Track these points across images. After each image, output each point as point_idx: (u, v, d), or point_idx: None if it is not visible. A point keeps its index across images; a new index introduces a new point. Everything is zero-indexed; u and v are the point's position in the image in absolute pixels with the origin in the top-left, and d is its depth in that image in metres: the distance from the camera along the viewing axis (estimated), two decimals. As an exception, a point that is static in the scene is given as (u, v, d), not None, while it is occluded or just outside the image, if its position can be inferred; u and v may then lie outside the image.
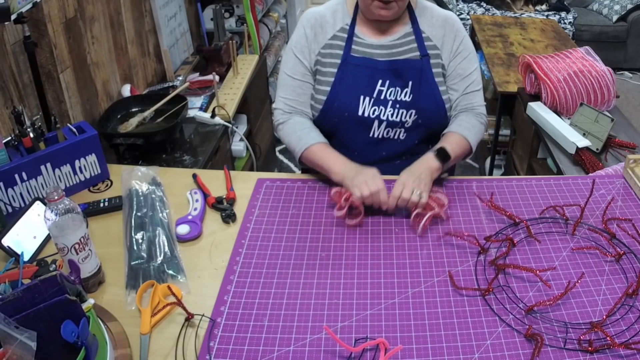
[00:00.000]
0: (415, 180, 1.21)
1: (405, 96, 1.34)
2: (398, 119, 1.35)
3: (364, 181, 1.20)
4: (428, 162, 1.27)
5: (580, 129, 1.94)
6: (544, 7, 4.50)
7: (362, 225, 1.23)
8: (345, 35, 1.37)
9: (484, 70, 3.25)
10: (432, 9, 1.40)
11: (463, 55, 1.38)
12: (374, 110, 1.34)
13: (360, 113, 1.35)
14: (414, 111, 1.35)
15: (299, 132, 1.36)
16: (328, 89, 1.36)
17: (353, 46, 1.36)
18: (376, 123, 1.36)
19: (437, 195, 1.24)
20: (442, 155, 1.28)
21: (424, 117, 1.36)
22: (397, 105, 1.34)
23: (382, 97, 1.34)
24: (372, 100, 1.34)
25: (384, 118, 1.35)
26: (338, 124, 1.38)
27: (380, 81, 1.34)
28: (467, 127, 1.36)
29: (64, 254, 1.02)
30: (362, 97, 1.34)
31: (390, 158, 1.41)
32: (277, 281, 1.09)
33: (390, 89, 1.34)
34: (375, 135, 1.38)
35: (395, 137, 1.39)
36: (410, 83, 1.34)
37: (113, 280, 1.12)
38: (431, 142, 1.40)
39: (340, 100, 1.35)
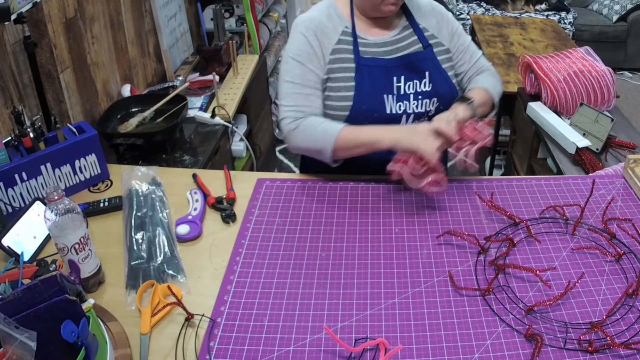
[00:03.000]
0: (450, 116, 1.24)
1: (425, 86, 1.36)
2: (423, 110, 1.36)
3: (424, 138, 1.21)
4: (453, 108, 1.31)
5: (580, 129, 1.94)
6: (543, 6, 4.50)
7: (362, 225, 1.23)
8: (350, 39, 1.36)
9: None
10: (417, 0, 1.44)
11: (457, 32, 1.44)
12: (400, 106, 1.35)
13: (388, 111, 1.35)
14: (435, 99, 1.37)
15: (321, 126, 1.29)
16: (350, 94, 1.33)
17: (360, 48, 1.36)
18: (404, 118, 1.36)
19: (479, 125, 1.27)
20: (461, 98, 1.33)
21: (444, 103, 1.37)
22: (420, 97, 1.36)
23: (402, 92, 1.35)
24: (395, 96, 1.35)
25: (410, 111, 1.36)
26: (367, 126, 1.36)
27: (395, 78, 1.35)
28: (485, 83, 1.42)
29: (64, 254, 1.02)
30: (385, 96, 1.35)
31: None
32: (277, 281, 1.09)
33: (408, 83, 1.35)
34: None
35: None
36: (427, 73, 1.36)
37: (113, 280, 1.12)
38: None
39: (367, 103, 1.33)
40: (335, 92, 1.35)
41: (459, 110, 1.27)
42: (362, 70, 1.34)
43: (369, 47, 1.37)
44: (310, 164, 1.50)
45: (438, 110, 1.37)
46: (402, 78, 1.35)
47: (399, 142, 1.23)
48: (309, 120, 1.31)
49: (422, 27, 1.40)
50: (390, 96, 1.34)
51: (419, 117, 1.37)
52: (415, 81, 1.36)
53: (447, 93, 1.38)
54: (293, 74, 1.33)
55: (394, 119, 1.36)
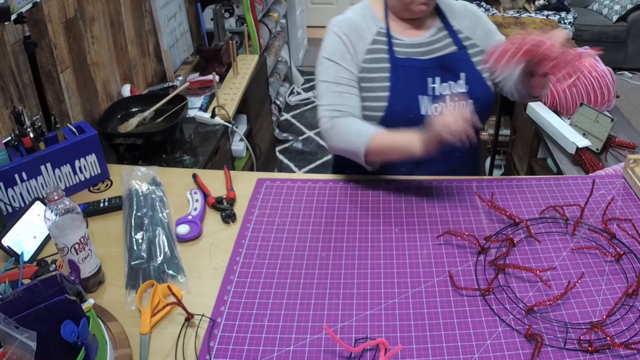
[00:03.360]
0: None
1: (460, 88, 1.35)
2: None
3: (449, 121, 1.13)
4: None
5: (580, 129, 1.95)
6: (542, 1, 4.48)
7: (362, 225, 1.23)
8: (385, 39, 1.36)
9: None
10: (448, 2, 1.43)
11: (492, 31, 1.44)
12: (435, 108, 1.33)
13: (423, 112, 1.32)
14: (471, 101, 1.35)
15: (355, 127, 1.27)
16: (385, 94, 1.33)
17: (395, 48, 1.35)
18: None
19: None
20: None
21: (478, 105, 1.35)
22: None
23: (437, 93, 1.34)
24: (430, 97, 1.33)
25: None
26: (401, 127, 1.32)
27: (430, 79, 1.34)
28: None
29: (64, 254, 1.02)
30: (419, 97, 1.33)
31: (451, 150, 1.38)
32: (277, 281, 1.09)
33: (443, 84, 1.34)
34: None
35: None
36: (462, 74, 1.35)
37: (113, 280, 1.12)
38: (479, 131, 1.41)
39: (402, 103, 1.32)
40: (370, 92, 1.34)
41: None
42: (397, 70, 1.33)
43: (404, 48, 1.36)
44: (342, 165, 1.48)
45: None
46: (438, 79, 1.34)
47: (432, 138, 1.16)
48: (345, 120, 1.29)
49: (456, 29, 1.39)
50: (425, 97, 1.33)
51: None
52: (450, 82, 1.35)
53: (483, 95, 1.37)
54: (327, 73, 1.34)
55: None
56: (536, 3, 4.47)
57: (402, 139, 1.22)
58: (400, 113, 1.32)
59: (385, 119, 1.33)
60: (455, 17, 1.41)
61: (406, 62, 1.34)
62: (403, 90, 1.33)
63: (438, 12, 1.40)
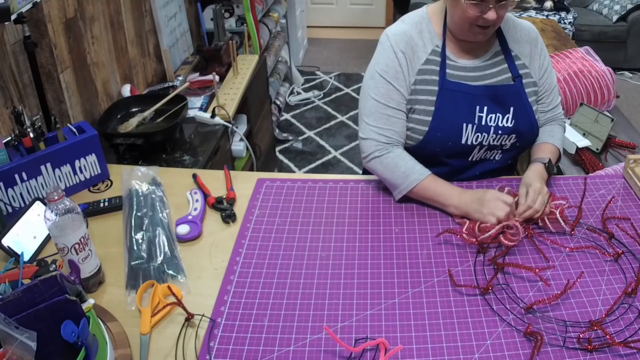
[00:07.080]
0: (545, 193, 1.22)
1: (507, 122, 1.30)
2: (498, 143, 1.33)
3: (494, 207, 1.18)
4: (543, 175, 1.29)
5: (580, 129, 1.94)
6: (549, 3, 4.47)
7: (362, 225, 1.23)
8: (438, 59, 1.29)
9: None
10: (513, 21, 1.37)
11: (548, 70, 1.38)
12: (477, 137, 1.29)
13: (463, 141, 1.29)
14: (514, 135, 1.32)
15: (403, 168, 1.27)
16: (428, 118, 1.29)
17: (447, 70, 1.29)
18: (477, 149, 1.32)
19: (556, 202, 1.25)
20: (550, 168, 1.32)
21: (521, 140, 1.34)
22: (500, 131, 1.30)
23: (484, 122, 1.29)
24: (475, 127, 1.29)
25: (486, 143, 1.31)
26: (439, 152, 1.31)
27: (478, 107, 1.29)
28: (558, 138, 1.39)
29: (64, 254, 1.02)
30: (464, 125, 1.28)
31: (483, 176, 1.39)
32: (277, 281, 1.09)
33: (490, 115, 1.29)
34: (474, 159, 1.35)
35: (491, 158, 1.36)
36: (511, 109, 1.30)
37: (113, 280, 1.12)
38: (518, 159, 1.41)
39: (443, 130, 1.28)
40: (415, 114, 1.31)
41: (545, 179, 1.27)
42: (445, 94, 1.28)
43: (456, 71, 1.30)
44: None
45: (513, 146, 1.35)
46: (485, 109, 1.29)
47: (467, 215, 1.22)
48: (395, 154, 1.29)
49: (514, 54, 1.33)
50: (470, 125, 1.29)
51: (492, 148, 1.34)
52: (498, 114, 1.30)
53: (528, 130, 1.34)
54: (378, 91, 1.30)
55: (468, 149, 1.32)
56: (545, 3, 4.45)
57: (442, 197, 1.25)
58: (440, 139, 1.29)
59: (423, 142, 1.31)
60: (517, 40, 1.34)
61: (455, 86, 1.29)
62: (447, 117, 1.28)
63: (498, 35, 1.33)
